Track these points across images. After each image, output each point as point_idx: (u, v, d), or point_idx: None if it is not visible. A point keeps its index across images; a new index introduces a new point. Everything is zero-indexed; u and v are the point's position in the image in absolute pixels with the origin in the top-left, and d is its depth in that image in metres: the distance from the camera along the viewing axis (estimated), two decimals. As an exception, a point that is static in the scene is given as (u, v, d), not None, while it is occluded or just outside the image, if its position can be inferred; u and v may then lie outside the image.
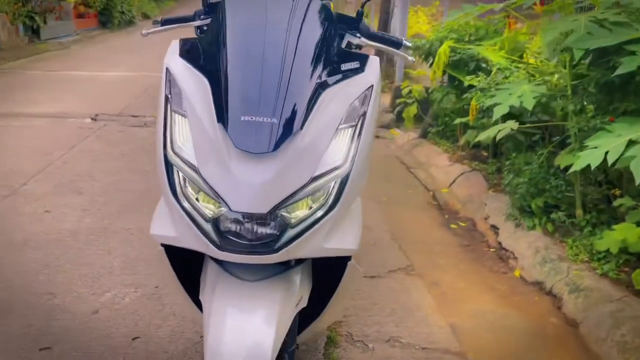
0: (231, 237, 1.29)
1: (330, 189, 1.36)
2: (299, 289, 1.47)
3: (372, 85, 1.51)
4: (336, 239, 1.40)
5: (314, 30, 1.51)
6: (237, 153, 1.29)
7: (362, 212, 1.67)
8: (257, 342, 1.28)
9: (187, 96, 1.39)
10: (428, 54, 4.46)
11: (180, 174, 1.33)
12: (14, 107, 6.08)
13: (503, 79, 3.48)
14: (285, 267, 1.47)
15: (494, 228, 3.50)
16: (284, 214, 1.30)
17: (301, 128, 1.33)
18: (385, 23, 7.91)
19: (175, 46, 1.55)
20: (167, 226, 1.38)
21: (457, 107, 4.55)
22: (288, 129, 1.32)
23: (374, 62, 1.59)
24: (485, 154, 4.47)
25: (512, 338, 2.47)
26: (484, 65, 4.20)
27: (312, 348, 2.26)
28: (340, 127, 1.40)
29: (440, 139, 5.15)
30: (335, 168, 1.36)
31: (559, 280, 2.76)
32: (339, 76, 1.48)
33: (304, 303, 1.52)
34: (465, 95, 4.08)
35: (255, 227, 1.29)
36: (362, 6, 1.87)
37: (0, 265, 2.78)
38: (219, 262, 1.43)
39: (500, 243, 3.35)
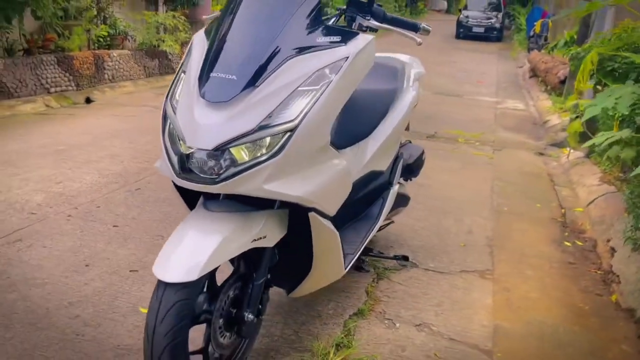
0: (189, 169, 1.61)
1: (278, 139, 1.58)
2: (260, 229, 1.71)
3: (348, 57, 1.69)
4: (278, 183, 1.60)
5: (301, 11, 1.73)
6: (201, 102, 1.61)
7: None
8: (195, 251, 1.56)
9: (191, 59, 1.76)
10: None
11: (168, 118, 1.70)
12: None
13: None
14: (252, 209, 1.72)
15: (612, 250, 3.15)
16: (231, 154, 1.57)
17: (256, 85, 1.59)
18: (584, 36, 7.39)
19: (207, 24, 1.93)
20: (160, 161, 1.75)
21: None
22: (244, 85, 1.59)
23: (360, 39, 1.76)
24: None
25: (560, 352, 2.28)
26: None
27: (338, 314, 2.43)
28: (300, 88, 1.62)
29: (602, 158, 4.67)
30: (285, 122, 1.58)
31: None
32: (313, 47, 1.68)
33: (267, 243, 1.74)
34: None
35: (206, 161, 1.58)
36: None
37: None
38: (204, 200, 1.75)
39: (611, 266, 3.02)
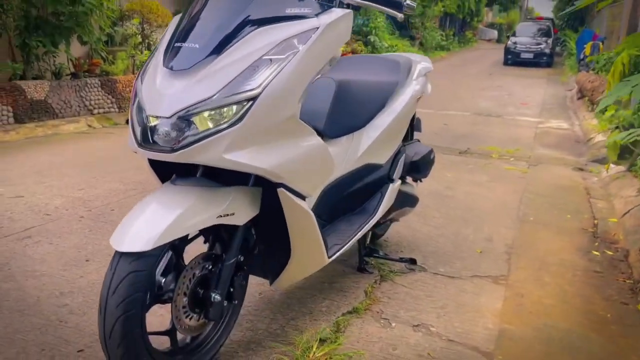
0: (151, 138, 1.57)
1: (240, 108, 1.53)
2: (228, 205, 1.65)
3: (317, 28, 1.64)
4: (240, 154, 1.54)
5: None
6: (163, 71, 1.59)
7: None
8: (152, 222, 1.52)
9: (164, 36, 1.75)
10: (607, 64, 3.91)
11: (137, 92, 1.68)
12: None
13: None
14: (221, 186, 1.68)
15: (644, 260, 2.91)
16: (194, 124, 1.53)
17: (219, 54, 1.56)
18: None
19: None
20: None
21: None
22: (206, 53, 1.56)
23: (333, 12, 1.71)
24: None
25: (569, 357, 2.08)
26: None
27: (331, 311, 2.32)
28: (265, 57, 1.57)
29: (643, 170, 4.39)
30: (247, 90, 1.54)
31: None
32: (283, 18, 1.64)
33: (236, 220, 1.68)
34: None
35: (169, 132, 1.54)
36: None
37: None
38: (175, 177, 1.72)
39: (641, 275, 2.78)
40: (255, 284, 2.49)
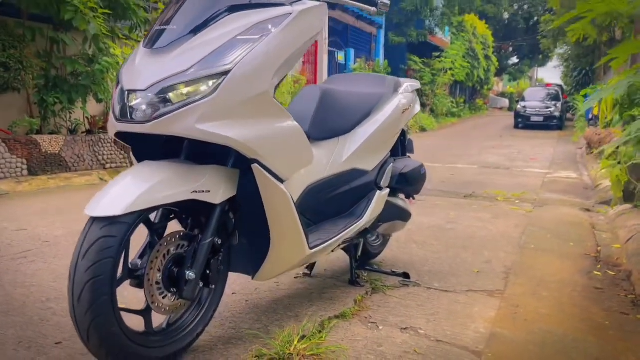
0: (130, 115, 1.64)
1: (214, 82, 1.60)
2: (204, 182, 1.68)
3: (290, 14, 1.73)
4: (213, 125, 1.59)
5: None
6: (142, 51, 1.69)
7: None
8: (126, 191, 1.55)
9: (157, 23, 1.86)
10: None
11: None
12: None
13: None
14: (196, 163, 1.72)
15: (647, 277, 2.83)
16: (167, 99, 1.59)
17: (194, 34, 1.65)
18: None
19: None
20: None
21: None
22: (183, 34, 1.66)
23: (307, 3, 1.81)
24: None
25: (563, 357, 2.00)
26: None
27: (317, 315, 2.27)
28: (239, 37, 1.66)
29: (651, 205, 4.33)
30: (221, 65, 1.61)
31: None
32: (257, 5, 1.74)
33: (211, 198, 1.70)
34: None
35: (144, 107, 1.61)
36: None
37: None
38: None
39: (643, 290, 2.69)
40: (243, 293, 2.46)
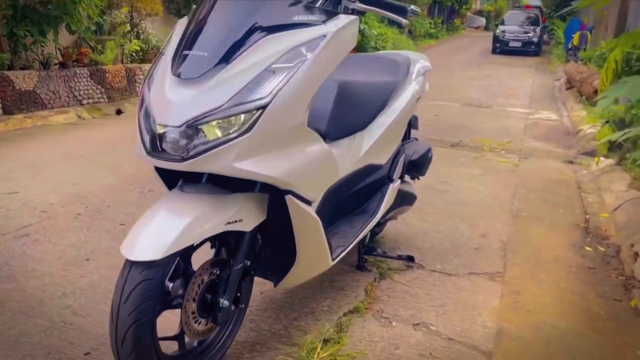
0: (160, 146, 1.57)
1: (250, 117, 1.54)
2: (236, 212, 1.66)
3: (325, 35, 1.64)
4: (250, 162, 1.55)
5: None
6: (172, 79, 1.59)
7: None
8: (162, 231, 1.52)
9: (171, 41, 1.75)
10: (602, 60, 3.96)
11: (144, 98, 1.68)
12: None
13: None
14: (228, 192, 1.69)
15: (636, 255, 2.97)
16: (203, 132, 1.53)
17: (227, 62, 1.56)
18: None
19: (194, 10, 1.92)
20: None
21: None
22: (215, 62, 1.56)
23: (341, 18, 1.71)
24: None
25: (567, 357, 2.14)
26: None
27: (332, 310, 2.35)
28: (274, 65, 1.57)
29: (636, 165, 4.45)
30: (257, 99, 1.54)
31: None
32: (291, 25, 1.64)
33: (244, 227, 1.69)
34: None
35: (178, 140, 1.54)
36: None
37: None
38: (181, 183, 1.73)
39: (633, 271, 2.84)
40: (256, 283, 2.51)
